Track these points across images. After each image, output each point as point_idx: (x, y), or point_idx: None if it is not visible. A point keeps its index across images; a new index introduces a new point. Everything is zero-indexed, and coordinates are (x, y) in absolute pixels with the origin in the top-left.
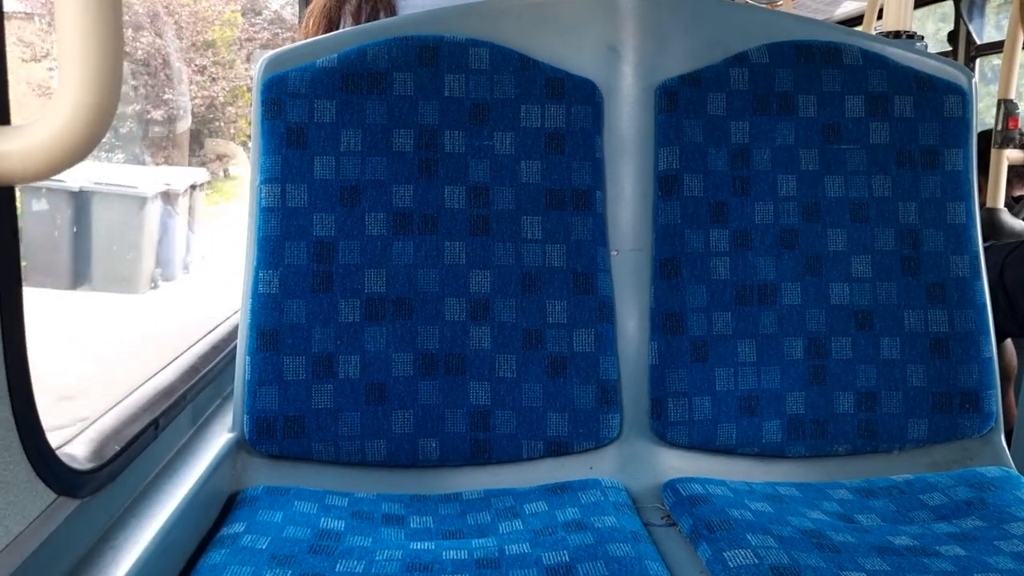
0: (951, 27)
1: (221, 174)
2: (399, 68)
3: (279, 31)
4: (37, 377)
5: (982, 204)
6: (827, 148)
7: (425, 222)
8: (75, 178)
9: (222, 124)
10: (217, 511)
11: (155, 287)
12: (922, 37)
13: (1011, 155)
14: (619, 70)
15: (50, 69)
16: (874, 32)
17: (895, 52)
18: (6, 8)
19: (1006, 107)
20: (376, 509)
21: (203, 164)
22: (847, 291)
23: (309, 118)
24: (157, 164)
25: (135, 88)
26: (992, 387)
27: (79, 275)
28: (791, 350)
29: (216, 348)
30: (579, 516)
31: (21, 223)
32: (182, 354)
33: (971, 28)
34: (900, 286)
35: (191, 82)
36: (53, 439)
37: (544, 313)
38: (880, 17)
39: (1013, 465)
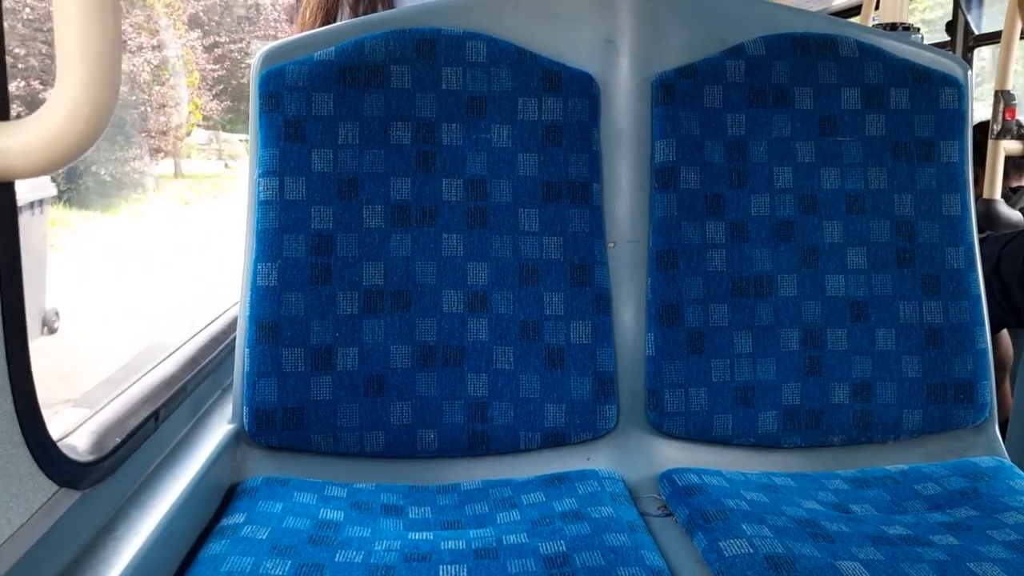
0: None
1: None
2: (397, 61)
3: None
4: None
5: (979, 195)
6: (823, 140)
7: (423, 215)
8: None
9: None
10: (217, 502)
11: None
12: (918, 29)
13: (1008, 146)
14: (616, 63)
15: None
16: (872, 22)
17: (891, 44)
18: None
19: (1004, 98)
20: (375, 500)
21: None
22: (843, 283)
23: (307, 111)
24: None
25: None
26: (986, 378)
27: None
28: (787, 341)
29: (215, 340)
30: (576, 506)
31: None
32: (182, 345)
33: (969, 18)
34: (895, 278)
35: None
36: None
37: (541, 305)
38: (878, 7)
39: (1007, 455)
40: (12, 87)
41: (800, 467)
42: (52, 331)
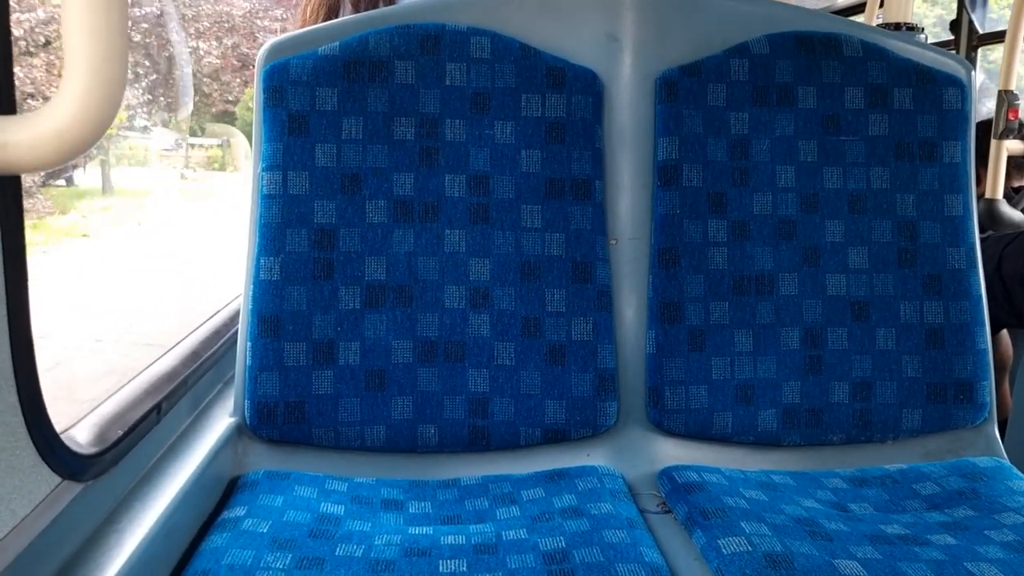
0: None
1: None
2: (401, 56)
3: None
4: None
5: (981, 195)
6: (826, 139)
7: (425, 210)
8: None
9: None
10: (218, 495)
11: None
12: (922, 29)
13: (1011, 146)
14: (620, 60)
15: None
16: (876, 21)
17: (895, 44)
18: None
19: (1007, 98)
20: (375, 494)
21: None
22: (844, 282)
23: (311, 106)
24: None
25: None
26: (986, 378)
27: None
28: (787, 340)
29: (217, 333)
30: (576, 503)
31: None
32: (184, 339)
33: (973, 17)
34: (896, 277)
35: None
36: None
37: (543, 301)
38: (883, 6)
39: (1005, 456)
40: None
41: (799, 465)
42: None
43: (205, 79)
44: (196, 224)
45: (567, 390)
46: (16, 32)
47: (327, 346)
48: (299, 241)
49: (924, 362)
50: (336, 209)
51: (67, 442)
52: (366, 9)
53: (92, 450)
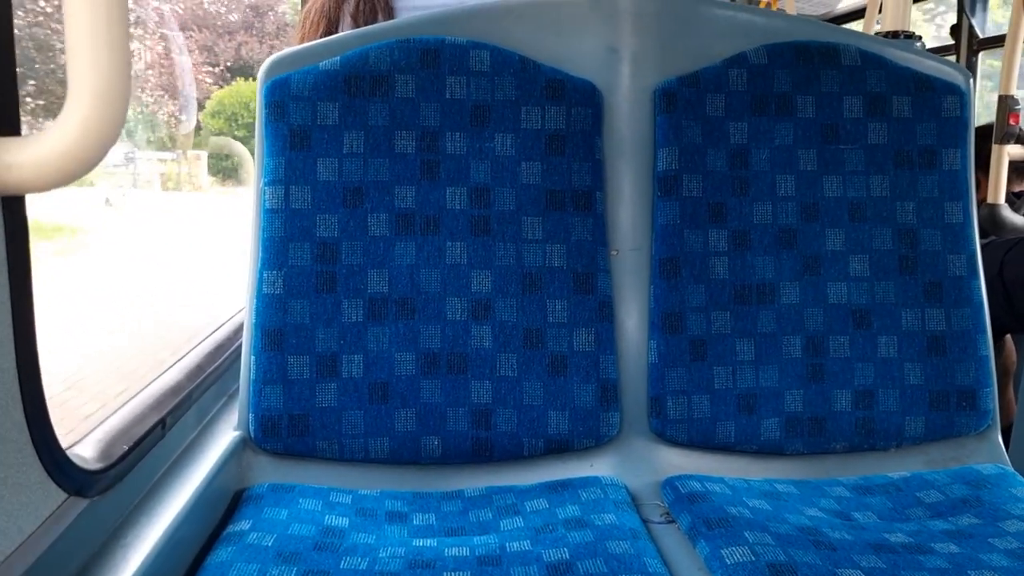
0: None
1: None
2: (401, 70)
3: None
4: None
5: (982, 200)
6: (825, 148)
7: (427, 223)
8: None
9: None
10: (223, 509)
11: None
12: (920, 37)
13: (1012, 151)
14: (618, 71)
15: None
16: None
17: (893, 52)
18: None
19: (1007, 103)
20: (379, 506)
21: None
22: (845, 290)
23: (312, 120)
24: None
25: None
26: (988, 385)
27: None
28: (789, 349)
29: (221, 347)
30: (579, 513)
31: None
32: (187, 353)
33: (973, 22)
34: (898, 285)
35: None
36: None
37: (545, 312)
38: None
39: (1009, 462)
40: None
41: (802, 474)
42: None
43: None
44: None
45: (569, 401)
46: None
47: (330, 359)
48: (302, 255)
49: (926, 369)
50: (338, 223)
51: (73, 458)
52: (366, 22)
53: (98, 466)
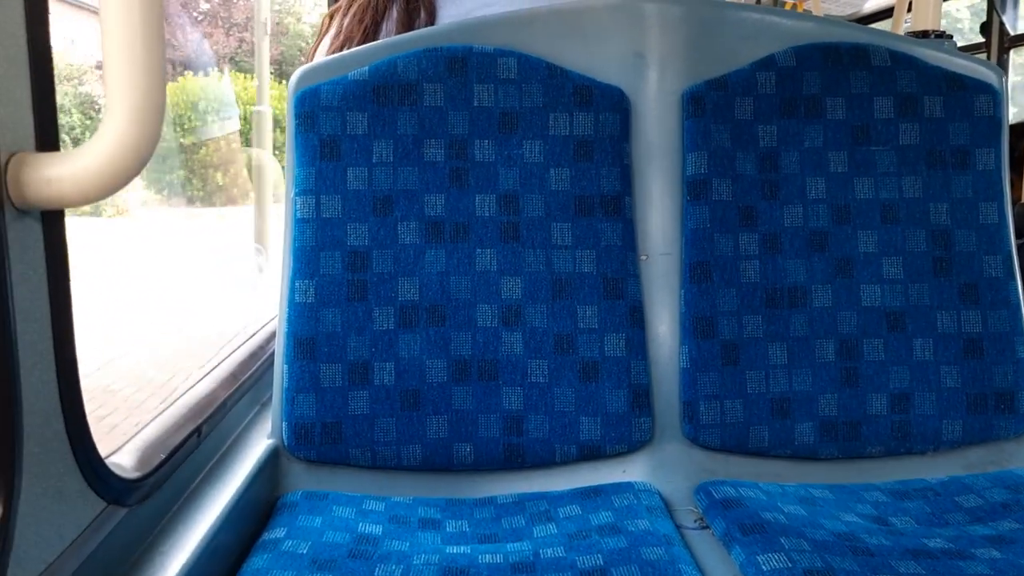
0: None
1: None
2: (429, 79)
3: None
4: None
5: (1016, 200)
6: (856, 150)
7: (456, 230)
8: None
9: None
10: (258, 516)
11: None
12: (951, 36)
13: None
14: (646, 76)
15: None
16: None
17: (924, 52)
18: None
19: None
20: (412, 513)
21: None
22: (878, 293)
23: (342, 130)
24: None
25: None
26: None
27: None
28: (822, 352)
29: (254, 356)
30: (612, 520)
31: None
32: (222, 362)
33: (1004, 19)
34: (932, 287)
35: None
36: None
37: (575, 318)
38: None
39: None
40: None
41: (838, 479)
42: None
43: None
44: None
45: (601, 406)
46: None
47: (362, 367)
48: (333, 264)
49: (963, 372)
50: (369, 231)
51: (112, 467)
52: (410, 19)
53: (135, 474)
